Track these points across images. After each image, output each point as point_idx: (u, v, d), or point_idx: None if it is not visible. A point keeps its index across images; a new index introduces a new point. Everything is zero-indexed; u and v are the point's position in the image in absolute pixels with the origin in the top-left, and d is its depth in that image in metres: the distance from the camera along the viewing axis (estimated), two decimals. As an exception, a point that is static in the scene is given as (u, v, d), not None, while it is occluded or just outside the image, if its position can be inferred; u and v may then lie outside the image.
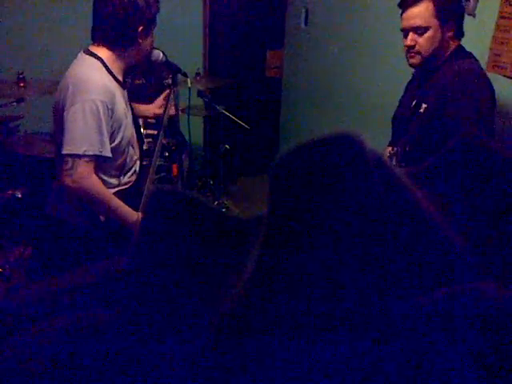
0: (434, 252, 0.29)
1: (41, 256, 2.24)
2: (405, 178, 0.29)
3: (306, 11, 4.01)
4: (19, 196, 2.70)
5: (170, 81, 2.26)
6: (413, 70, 2.07)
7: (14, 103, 2.83)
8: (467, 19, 2.45)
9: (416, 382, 0.24)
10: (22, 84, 2.72)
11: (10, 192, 2.70)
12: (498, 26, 2.30)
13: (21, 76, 2.73)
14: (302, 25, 4.07)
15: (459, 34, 1.85)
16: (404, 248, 0.27)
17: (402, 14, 1.84)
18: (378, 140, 2.11)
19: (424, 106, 1.85)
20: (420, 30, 1.78)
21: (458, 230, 0.32)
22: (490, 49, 2.34)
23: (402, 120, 1.99)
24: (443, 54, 1.83)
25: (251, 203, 3.85)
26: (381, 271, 0.26)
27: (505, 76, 2.29)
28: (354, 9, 3.42)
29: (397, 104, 2.28)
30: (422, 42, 1.80)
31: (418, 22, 1.78)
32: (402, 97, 2.12)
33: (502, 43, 2.29)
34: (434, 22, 1.77)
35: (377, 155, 0.27)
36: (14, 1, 3.36)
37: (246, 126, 3.35)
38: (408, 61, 1.89)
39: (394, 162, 1.93)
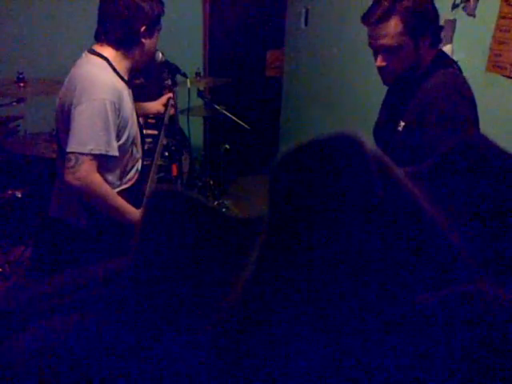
0: (434, 252, 0.29)
1: (41, 256, 2.24)
2: (405, 177, 0.29)
3: (306, 12, 4.01)
4: (19, 196, 2.71)
5: (169, 82, 2.27)
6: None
7: (14, 103, 2.83)
8: (467, 19, 2.46)
9: (414, 383, 0.24)
10: (22, 84, 2.72)
11: (9, 192, 2.71)
12: (497, 26, 2.30)
13: (21, 76, 2.73)
14: (302, 25, 4.07)
15: (436, 41, 1.64)
16: (403, 248, 0.27)
17: (367, 28, 1.62)
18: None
19: (402, 124, 1.68)
20: (391, 50, 1.57)
21: (458, 229, 0.32)
22: (490, 49, 2.34)
23: (383, 135, 1.83)
24: (420, 65, 1.63)
25: (251, 203, 3.86)
26: (380, 271, 0.26)
27: (505, 76, 2.29)
28: (353, 9, 3.43)
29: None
30: (396, 62, 1.59)
31: (388, 41, 1.55)
32: (382, 105, 1.95)
33: (502, 43, 2.29)
34: (405, 40, 1.55)
35: (377, 155, 0.27)
36: (14, 1, 3.36)
37: (246, 126, 3.35)
38: (381, 80, 1.71)
39: None
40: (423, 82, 1.62)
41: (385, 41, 1.57)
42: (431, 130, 1.54)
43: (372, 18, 1.57)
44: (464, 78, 1.62)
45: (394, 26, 1.54)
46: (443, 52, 1.71)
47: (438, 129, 1.52)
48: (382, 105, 1.95)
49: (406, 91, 1.70)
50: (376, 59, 1.64)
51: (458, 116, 1.52)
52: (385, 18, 1.54)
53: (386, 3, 1.54)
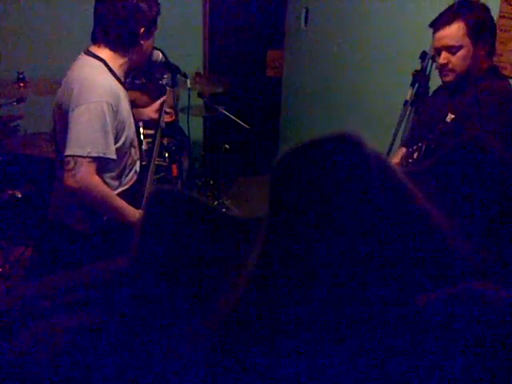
0: (434, 251, 0.29)
1: (41, 256, 2.24)
2: (405, 177, 0.29)
3: (306, 11, 4.01)
4: (19, 196, 2.71)
5: (164, 81, 2.27)
6: (441, 80, 2.05)
7: (14, 103, 2.83)
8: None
9: (416, 383, 0.24)
10: (21, 84, 2.72)
11: (9, 192, 2.70)
12: (498, 26, 2.30)
13: (21, 76, 2.73)
14: (302, 25, 4.07)
15: (492, 52, 1.87)
16: (404, 247, 0.27)
17: (433, 34, 1.87)
18: (378, 139, 2.12)
19: (451, 116, 1.87)
20: (453, 49, 1.81)
21: (458, 229, 0.32)
22: (490, 49, 2.34)
23: (427, 125, 2.01)
24: (476, 71, 1.84)
25: (251, 203, 3.85)
26: (381, 270, 0.26)
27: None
28: (353, 9, 3.43)
29: (395, 104, 2.28)
30: (455, 60, 1.82)
31: (451, 42, 1.80)
32: (428, 103, 2.14)
33: (502, 43, 2.29)
34: (466, 41, 1.79)
35: (377, 154, 0.27)
36: (14, 1, 3.36)
37: (246, 126, 3.35)
38: (441, 79, 1.92)
39: (415, 157, 1.95)
40: (479, 84, 1.82)
41: (447, 40, 1.80)
42: (476, 129, 1.72)
43: (439, 23, 1.83)
44: None
45: (457, 28, 1.79)
46: (496, 66, 1.92)
47: (478, 129, 1.71)
48: (429, 102, 2.16)
49: (460, 89, 1.89)
50: (439, 59, 1.87)
51: (503, 124, 1.71)
52: (450, 21, 1.80)
53: (452, 10, 1.81)
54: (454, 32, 1.79)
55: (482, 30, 1.80)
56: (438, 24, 1.84)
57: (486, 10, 1.84)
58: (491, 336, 0.24)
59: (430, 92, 2.43)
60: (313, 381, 0.24)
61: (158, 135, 2.09)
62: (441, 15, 1.84)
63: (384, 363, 0.24)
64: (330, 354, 0.25)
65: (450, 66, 1.83)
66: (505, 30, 2.27)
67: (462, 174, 0.35)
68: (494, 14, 2.30)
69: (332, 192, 0.25)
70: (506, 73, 2.28)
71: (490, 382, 0.23)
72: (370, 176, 0.26)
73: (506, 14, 2.26)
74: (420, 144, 1.97)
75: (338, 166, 0.25)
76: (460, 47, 1.80)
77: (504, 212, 0.33)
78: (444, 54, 1.83)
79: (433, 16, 1.86)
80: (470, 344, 0.24)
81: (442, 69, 1.87)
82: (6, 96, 2.83)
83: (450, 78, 1.87)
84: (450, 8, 1.84)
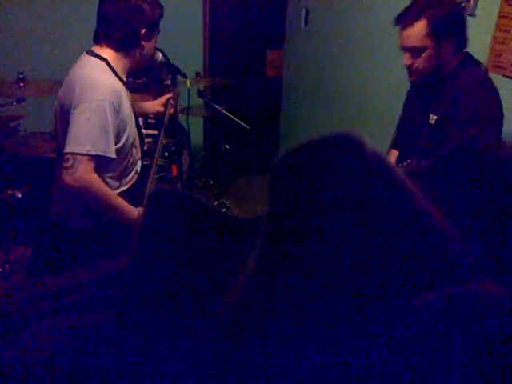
0: (434, 252, 0.29)
1: (41, 256, 2.24)
2: (405, 177, 0.29)
3: (306, 11, 4.01)
4: (19, 196, 2.71)
5: (168, 81, 2.27)
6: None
7: (14, 103, 2.83)
8: (467, 19, 2.45)
9: (415, 383, 0.24)
10: (21, 84, 2.72)
11: (9, 192, 2.70)
12: (497, 26, 2.30)
13: (21, 76, 2.73)
14: (302, 25, 4.07)
15: (461, 46, 1.79)
16: (403, 247, 0.27)
17: (400, 31, 1.80)
18: (378, 139, 2.11)
19: (434, 117, 1.83)
20: (416, 51, 1.75)
21: (458, 229, 0.32)
22: (490, 49, 2.34)
23: (411, 129, 1.96)
24: (446, 67, 1.78)
25: (251, 203, 3.85)
26: (380, 270, 0.26)
27: (505, 76, 2.29)
28: (353, 9, 3.42)
29: (395, 104, 2.29)
30: (420, 62, 1.76)
31: (413, 42, 1.73)
32: (407, 102, 2.08)
33: (502, 43, 2.29)
34: (428, 43, 1.72)
35: (377, 154, 0.27)
36: (14, 1, 3.36)
37: (246, 126, 3.35)
38: (408, 76, 1.87)
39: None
40: (453, 80, 1.78)
41: (409, 41, 1.74)
42: (459, 124, 1.70)
43: (402, 21, 1.76)
44: (490, 78, 1.78)
45: (419, 28, 1.71)
46: (469, 54, 1.83)
47: (465, 123, 1.68)
48: (407, 102, 2.09)
49: (436, 88, 1.84)
50: (404, 58, 1.81)
51: (483, 112, 1.68)
52: (413, 20, 1.72)
53: (416, 7, 1.73)
54: (415, 32, 1.72)
55: (446, 27, 1.72)
56: (401, 22, 1.76)
57: (453, 3, 1.77)
58: (491, 336, 0.24)
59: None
60: (311, 378, 0.24)
61: (161, 135, 2.09)
62: (405, 11, 1.75)
63: (383, 363, 0.24)
64: (329, 352, 0.25)
65: (414, 67, 1.77)
66: (505, 30, 2.27)
67: (461, 174, 0.35)
68: (494, 14, 2.30)
69: (332, 192, 0.25)
70: (506, 73, 2.28)
71: (490, 382, 0.23)
72: (370, 176, 0.26)
73: (506, 14, 2.26)
74: (409, 161, 1.95)
75: (338, 166, 0.25)
76: (423, 49, 1.73)
77: (504, 212, 0.33)
78: (407, 55, 1.77)
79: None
80: (470, 345, 0.24)
81: (407, 69, 1.81)
82: (6, 96, 2.83)
83: (415, 78, 1.81)
84: (415, 3, 1.75)
